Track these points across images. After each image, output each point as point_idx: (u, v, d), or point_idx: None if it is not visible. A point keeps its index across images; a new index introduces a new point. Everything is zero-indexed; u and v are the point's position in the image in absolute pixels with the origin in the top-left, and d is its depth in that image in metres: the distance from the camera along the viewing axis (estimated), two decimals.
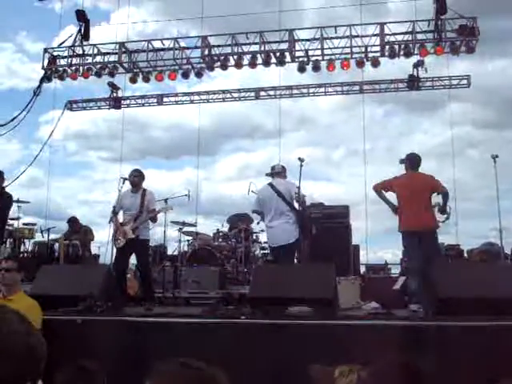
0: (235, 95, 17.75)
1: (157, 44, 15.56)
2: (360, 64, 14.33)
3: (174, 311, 7.64)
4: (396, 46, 14.04)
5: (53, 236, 12.50)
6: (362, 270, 13.15)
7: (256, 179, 10.88)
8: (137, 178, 9.03)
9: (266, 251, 12.47)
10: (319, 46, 14.56)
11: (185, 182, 25.54)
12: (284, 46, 14.74)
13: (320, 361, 5.36)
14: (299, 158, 8.72)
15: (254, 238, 11.99)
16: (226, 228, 12.29)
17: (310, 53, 14.75)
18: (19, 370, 1.24)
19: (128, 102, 18.14)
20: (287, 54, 14.70)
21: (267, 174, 9.46)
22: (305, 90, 17.26)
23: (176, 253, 12.00)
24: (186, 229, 11.90)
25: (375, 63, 14.27)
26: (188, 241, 12.04)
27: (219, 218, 20.99)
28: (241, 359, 5.70)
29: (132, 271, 10.15)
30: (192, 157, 19.97)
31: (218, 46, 15.30)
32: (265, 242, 12.36)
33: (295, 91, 17.26)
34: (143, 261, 8.93)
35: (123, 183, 9.10)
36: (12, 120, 15.05)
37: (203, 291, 10.00)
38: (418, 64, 14.80)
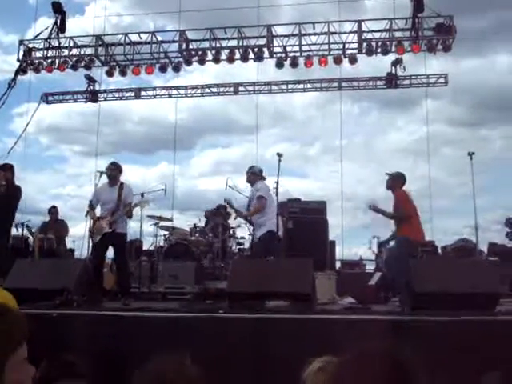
0: (214, 90, 17.70)
1: (134, 37, 15.45)
2: (338, 61, 14.40)
3: (151, 306, 7.62)
4: (373, 44, 14.14)
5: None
6: (338, 265, 13.25)
7: (233, 174, 10.89)
8: (114, 172, 8.95)
9: (243, 246, 12.49)
10: (297, 42, 14.60)
11: (160, 177, 25.47)
12: (262, 41, 14.75)
13: (297, 355, 5.40)
14: (278, 154, 8.77)
15: (231, 233, 11.99)
16: (202, 223, 12.26)
17: (288, 49, 14.79)
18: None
19: (105, 95, 17.98)
20: (265, 49, 14.71)
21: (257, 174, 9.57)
22: (283, 86, 17.28)
23: (152, 247, 11.94)
24: (162, 223, 11.84)
25: (353, 60, 14.35)
26: (164, 235, 11.99)
27: (195, 213, 20.97)
28: (219, 354, 5.70)
29: (108, 265, 10.07)
30: (168, 151, 19.92)
31: (196, 40, 15.25)
32: (241, 237, 12.40)
33: (274, 87, 17.27)
34: (120, 255, 8.86)
35: (100, 177, 9.04)
36: None
37: (180, 286, 9.98)
38: (397, 62, 14.92)
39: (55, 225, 12.30)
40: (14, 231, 12.75)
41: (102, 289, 8.81)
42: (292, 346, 5.50)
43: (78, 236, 12.27)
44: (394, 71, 15.64)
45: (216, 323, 6.27)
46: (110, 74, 15.64)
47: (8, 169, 9.46)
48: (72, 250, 12.65)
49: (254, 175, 9.61)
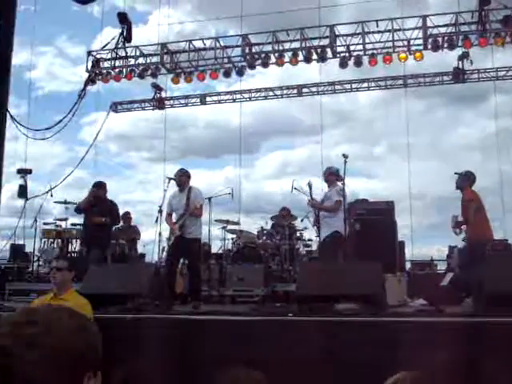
0: (277, 92, 17.76)
1: (197, 44, 15.66)
2: (402, 58, 14.15)
3: (220, 309, 7.69)
4: (439, 39, 13.80)
5: None
6: (408, 266, 13.01)
7: (298, 176, 10.87)
8: (182, 178, 9.15)
9: (310, 248, 12.45)
10: (360, 41, 14.44)
11: (226, 181, 25.65)
12: (325, 41, 14.66)
13: (368, 358, 5.33)
14: (343, 155, 8.71)
15: (298, 235, 11.96)
16: (269, 226, 12.29)
17: (352, 48, 14.63)
18: (77, 366, 1.27)
19: (171, 102, 18.33)
20: (328, 49, 14.62)
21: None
22: (347, 86, 17.15)
23: (221, 251, 12.06)
24: (229, 227, 11.95)
25: (418, 57, 14.07)
26: (232, 239, 12.10)
27: (261, 216, 21.05)
28: (288, 357, 5.70)
29: (178, 269, 10.23)
30: (233, 155, 20.05)
31: (259, 43, 15.31)
32: (309, 240, 12.36)
33: (338, 87, 17.16)
34: (191, 259, 9.00)
35: (168, 183, 9.22)
36: (57, 123, 15.34)
37: (249, 289, 10.02)
38: (464, 56, 14.52)
39: (128, 230, 12.59)
40: None
41: (173, 293, 8.96)
42: (363, 349, 5.44)
43: (148, 241, 12.56)
44: (460, 66, 15.23)
45: (285, 326, 6.27)
46: (175, 81, 15.91)
47: (100, 186, 10.11)
48: (143, 255, 12.93)
49: (332, 175, 9.61)
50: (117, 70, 15.85)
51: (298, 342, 5.93)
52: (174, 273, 9.01)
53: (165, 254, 9.11)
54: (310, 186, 9.76)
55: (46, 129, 14.84)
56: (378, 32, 14.30)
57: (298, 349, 5.83)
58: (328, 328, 6.04)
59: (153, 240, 9.92)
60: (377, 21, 14.29)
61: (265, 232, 12.09)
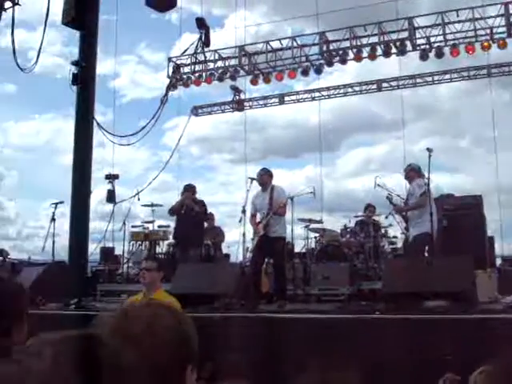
0: (356, 89, 17.58)
1: (275, 44, 15.73)
2: (486, 47, 13.67)
3: (306, 308, 7.69)
4: None
5: None
6: (498, 262, 12.54)
7: (380, 172, 10.70)
8: (264, 178, 9.20)
9: (395, 245, 12.23)
10: (441, 32, 14.06)
11: (307, 180, 25.59)
12: (404, 34, 14.37)
13: (459, 356, 5.17)
14: (427, 149, 8.51)
15: (383, 232, 11.78)
16: (352, 223, 12.16)
17: (432, 39, 14.28)
18: (176, 357, 1.31)
19: (250, 103, 18.50)
20: (408, 42, 14.33)
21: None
22: (428, 79, 16.74)
23: (304, 250, 12.04)
24: (312, 226, 11.91)
25: (502, 45, 13.54)
26: (315, 237, 12.05)
27: (344, 214, 20.88)
28: (375, 356, 5.62)
29: (263, 268, 10.30)
30: (313, 154, 19.98)
31: (336, 40, 15.19)
32: (393, 237, 12.14)
33: (418, 80, 16.79)
34: (276, 258, 9.03)
35: (251, 183, 9.30)
36: (141, 129, 15.78)
37: (334, 287, 9.95)
38: None
39: (212, 231, 12.78)
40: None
41: (259, 292, 9.02)
42: (453, 348, 5.29)
43: (231, 241, 12.71)
44: None
45: (372, 324, 6.19)
46: (254, 82, 16.06)
47: (191, 189, 10.54)
48: (227, 256, 13.10)
49: (414, 172, 9.42)
50: (196, 74, 16.18)
51: (385, 341, 5.84)
52: (259, 272, 9.07)
53: (249, 254, 9.20)
54: (389, 199, 9.70)
55: (131, 135, 15.28)
56: (459, 22, 13.89)
57: (386, 347, 5.74)
58: (416, 326, 5.92)
59: (237, 241, 10.06)
60: (457, 10, 13.89)
61: (348, 230, 11.98)
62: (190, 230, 10.26)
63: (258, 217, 9.16)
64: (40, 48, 12.71)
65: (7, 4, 13.98)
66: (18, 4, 14.12)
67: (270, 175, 9.29)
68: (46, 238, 10.11)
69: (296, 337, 6.23)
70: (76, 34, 11.99)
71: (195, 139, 26.77)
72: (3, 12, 14.04)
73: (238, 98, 18.11)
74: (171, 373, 1.28)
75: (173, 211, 10.64)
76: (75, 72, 10.93)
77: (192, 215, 10.18)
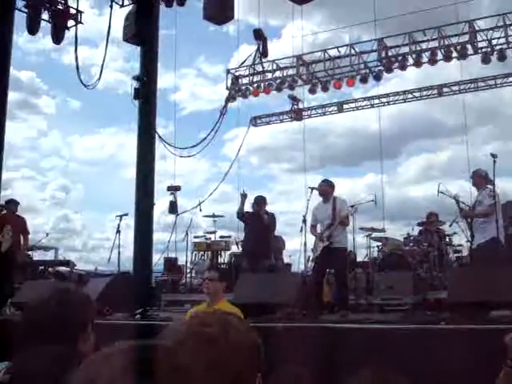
0: (416, 94, 17.31)
1: (332, 52, 15.70)
2: None
3: (369, 317, 7.59)
4: None
5: None
6: None
7: (443, 179, 10.49)
8: (325, 189, 9.16)
9: (461, 254, 11.94)
10: (503, 34, 13.71)
11: (368, 188, 25.33)
12: (464, 38, 14.09)
13: None
14: (492, 154, 8.28)
15: (447, 240, 11.51)
16: (416, 232, 11.94)
17: (494, 42, 13.94)
18: (251, 365, 1.32)
19: (309, 112, 18.48)
20: (469, 46, 14.03)
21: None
22: (491, 82, 16.32)
23: (366, 259, 11.90)
24: (374, 234, 11.77)
25: None
26: (378, 246, 11.91)
27: (406, 222, 20.53)
28: (440, 367, 5.50)
29: (325, 278, 10.24)
30: (373, 161, 19.77)
31: (395, 46, 15.04)
32: (458, 245, 11.85)
33: (481, 84, 16.39)
34: (338, 268, 8.96)
35: (311, 193, 9.28)
36: (202, 141, 16.00)
37: (397, 297, 9.78)
38: None
39: (273, 240, 12.78)
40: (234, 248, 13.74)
41: (321, 302, 8.97)
42: None
43: (292, 250, 12.69)
44: None
45: (438, 335, 6.06)
46: (312, 91, 16.06)
47: (262, 201, 10.55)
48: (289, 265, 13.08)
49: (481, 178, 9.18)
50: (255, 85, 16.32)
51: (452, 351, 5.70)
52: (322, 282, 9.02)
53: (310, 263, 9.16)
54: (456, 199, 9.42)
55: (192, 146, 15.54)
56: None
57: (452, 358, 5.60)
58: (483, 336, 5.75)
59: (297, 250, 10.03)
60: None
61: (411, 238, 11.78)
62: (258, 242, 10.34)
63: (319, 227, 9.12)
64: (102, 64, 13.11)
65: (70, 23, 14.52)
66: (80, 22, 14.63)
67: (332, 186, 9.23)
68: (111, 250, 10.35)
69: (359, 347, 6.15)
70: (137, 49, 12.31)
71: (254, 149, 26.97)
72: (66, 31, 14.58)
73: (296, 107, 18.14)
74: (245, 380, 1.30)
75: (241, 213, 10.70)
76: (137, 87, 11.19)
77: (261, 227, 10.25)
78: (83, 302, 2.17)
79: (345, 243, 9.07)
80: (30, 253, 14.39)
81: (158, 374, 1.21)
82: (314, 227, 9.16)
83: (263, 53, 16.11)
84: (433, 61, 14.35)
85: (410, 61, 14.67)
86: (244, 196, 10.50)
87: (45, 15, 14.31)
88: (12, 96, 17.86)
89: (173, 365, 1.20)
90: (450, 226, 10.73)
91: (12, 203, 11.37)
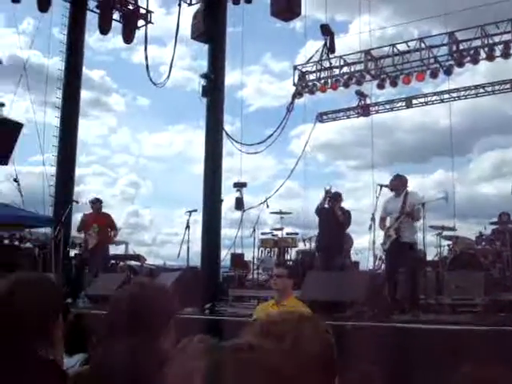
0: (488, 89, 16.80)
1: (401, 47, 15.42)
2: None
3: (440, 318, 7.44)
4: None
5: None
6: None
7: None
8: (395, 183, 9.01)
9: None
10: None
11: (437, 185, 24.77)
12: None
13: None
14: None
15: None
16: (488, 231, 11.59)
17: None
18: (326, 364, 1.31)
19: (376, 108, 18.24)
20: None
21: None
22: None
23: (436, 258, 11.64)
24: (445, 233, 11.51)
25: None
26: (448, 245, 11.64)
27: (478, 221, 19.97)
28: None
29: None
30: (443, 158, 19.32)
31: (467, 40, 14.63)
32: None
33: None
34: (408, 264, 8.77)
35: (380, 190, 9.16)
36: (268, 137, 16.04)
37: (468, 297, 9.53)
38: None
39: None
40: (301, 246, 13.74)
41: (394, 300, 8.77)
42: None
43: (360, 248, 12.55)
44: None
45: (510, 337, 5.88)
46: (380, 86, 15.85)
47: (338, 197, 10.44)
48: (357, 263, 12.95)
49: None
50: (322, 81, 16.23)
51: None
52: (393, 279, 8.85)
53: (378, 261, 9.05)
54: None
55: (258, 143, 15.59)
56: None
57: None
58: None
59: (365, 247, 9.92)
60: None
61: (483, 238, 11.45)
62: (332, 238, 10.26)
63: (388, 221, 8.98)
64: (171, 63, 13.38)
65: (140, 22, 14.86)
66: (150, 22, 14.95)
67: (402, 180, 9.06)
68: (180, 245, 10.53)
69: (430, 348, 6.05)
70: (204, 47, 12.47)
71: (320, 145, 26.82)
72: (136, 30, 14.93)
73: (363, 102, 17.93)
74: (323, 380, 1.29)
75: (318, 210, 10.64)
76: (204, 84, 11.33)
77: (335, 223, 10.17)
78: (166, 297, 2.21)
79: (413, 239, 8.86)
80: None
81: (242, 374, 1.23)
82: (383, 220, 9.02)
83: (330, 48, 16.02)
84: (506, 54, 13.89)
85: (482, 54, 14.25)
86: (328, 192, 10.39)
87: (115, 15, 14.72)
88: (84, 94, 18.44)
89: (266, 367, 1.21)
90: None
91: (96, 202, 11.86)
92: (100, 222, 11.53)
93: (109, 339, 2.03)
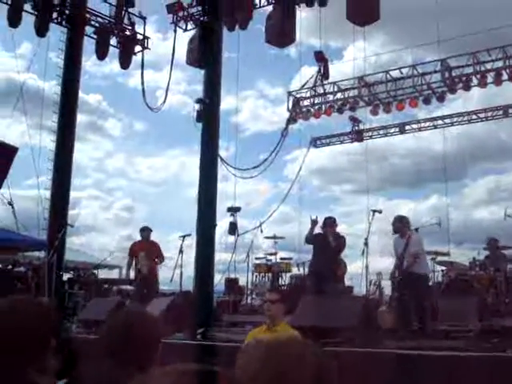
0: (481, 115, 16.95)
1: (394, 73, 15.60)
2: None
3: (432, 344, 7.41)
4: None
5: None
6: None
7: (510, 202, 10.22)
8: (397, 225, 9.32)
9: None
10: None
11: (432, 210, 24.85)
12: None
13: None
14: None
15: None
16: (481, 256, 11.62)
17: None
18: None
19: (370, 133, 18.37)
20: None
21: None
22: None
23: (430, 283, 11.64)
24: (439, 258, 11.53)
25: None
26: (442, 271, 11.65)
27: (472, 246, 19.98)
28: None
29: (387, 303, 10.10)
30: (437, 183, 19.41)
31: (459, 66, 14.82)
32: None
33: None
34: (415, 294, 9.03)
35: (373, 215, 9.23)
36: (263, 162, 16.10)
37: (461, 323, 9.53)
38: None
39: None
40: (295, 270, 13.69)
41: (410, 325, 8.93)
42: None
43: (353, 273, 12.54)
44: None
45: (502, 363, 5.87)
46: (374, 112, 15.99)
47: (332, 223, 10.38)
48: (351, 288, 12.92)
49: None
50: (316, 106, 16.37)
51: None
52: (406, 308, 9.04)
53: (372, 287, 9.11)
54: None
55: (253, 168, 15.64)
56: None
57: None
58: None
59: (359, 273, 9.92)
60: None
61: (477, 263, 11.47)
62: (324, 264, 10.23)
63: None
64: (167, 88, 13.45)
65: (137, 48, 14.98)
66: (147, 48, 15.08)
67: (403, 222, 9.33)
68: (174, 269, 10.52)
69: (421, 374, 6.03)
70: (199, 72, 12.56)
71: (315, 170, 26.92)
72: (133, 56, 15.05)
73: (356, 128, 18.06)
74: None
75: (309, 240, 10.64)
76: (199, 109, 11.39)
77: (328, 249, 10.16)
78: (154, 326, 2.23)
79: (421, 268, 9.20)
80: (95, 271, 14.79)
81: None
82: (398, 258, 9.34)
83: (324, 74, 16.15)
84: (498, 81, 14.06)
85: (475, 81, 14.43)
86: (314, 222, 10.37)
87: (113, 40, 14.84)
88: (80, 118, 18.50)
89: None
90: None
91: (145, 230, 11.91)
92: (148, 250, 11.57)
93: (94, 364, 2.04)
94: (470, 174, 32.02)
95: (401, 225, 9.31)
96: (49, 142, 13.98)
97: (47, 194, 13.59)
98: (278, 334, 5.42)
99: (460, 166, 26.77)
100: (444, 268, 11.64)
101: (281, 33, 11.89)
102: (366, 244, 9.07)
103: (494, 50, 14.21)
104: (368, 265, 9.11)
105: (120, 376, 1.88)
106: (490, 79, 14.25)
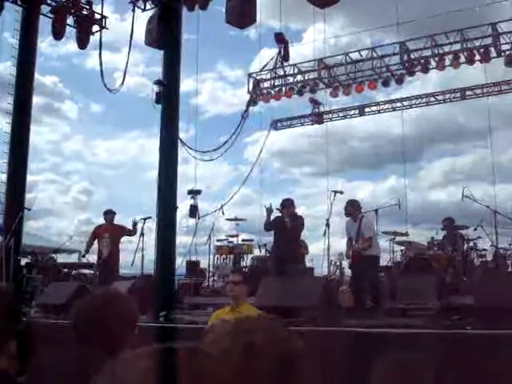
0: (439, 98, 17.20)
1: (354, 56, 15.66)
2: None
3: (391, 322, 7.53)
4: None
5: None
6: None
7: (467, 183, 10.46)
8: (349, 208, 9.67)
9: (485, 259, 11.81)
10: None
11: (390, 191, 25.19)
12: (488, 41, 13.99)
13: None
14: None
15: (472, 245, 11.40)
16: (440, 236, 11.83)
17: None
18: (289, 369, 1.31)
19: (330, 115, 18.45)
20: (492, 48, 13.91)
21: None
22: None
23: (389, 263, 11.82)
24: (397, 238, 11.70)
25: None
26: (401, 251, 11.83)
27: (429, 226, 20.34)
28: (464, 372, 5.44)
29: (347, 284, 10.22)
30: (396, 165, 19.67)
31: (417, 49, 14.96)
32: (483, 249, 11.73)
33: (504, 87, 16.22)
34: (367, 274, 9.44)
35: (334, 196, 9.32)
36: (223, 144, 16.03)
37: (421, 302, 9.70)
38: None
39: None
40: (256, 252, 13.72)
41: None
42: None
43: (314, 255, 12.64)
44: None
45: (463, 340, 5.99)
46: (334, 94, 16.03)
47: (289, 205, 10.30)
48: (311, 269, 13.03)
49: None
50: (276, 88, 16.35)
51: (478, 357, 5.63)
52: (359, 288, 9.34)
53: (333, 267, 9.26)
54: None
55: (213, 150, 15.57)
56: None
57: (479, 364, 5.54)
58: (509, 342, 5.67)
59: (319, 254, 10.01)
60: None
61: (436, 243, 11.68)
62: (284, 246, 10.30)
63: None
64: (125, 69, 13.23)
65: (95, 28, 14.66)
66: (105, 27, 14.77)
67: (354, 206, 9.65)
68: (135, 253, 10.44)
69: (380, 352, 6.11)
70: (158, 53, 12.36)
71: (276, 153, 26.95)
72: (91, 36, 14.73)
73: (317, 110, 18.12)
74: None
75: (267, 227, 10.61)
76: (158, 91, 11.23)
77: (286, 231, 10.20)
78: (129, 306, 2.19)
79: (374, 252, 9.66)
80: (54, 255, 14.55)
81: (182, 378, 1.21)
82: (349, 240, 9.80)
83: (284, 56, 16.11)
84: (456, 64, 14.25)
85: (433, 64, 14.59)
86: (269, 210, 10.34)
87: (69, 20, 14.48)
88: (36, 100, 18.06)
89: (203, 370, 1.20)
90: (475, 230, 10.65)
91: (109, 213, 12.02)
92: (112, 233, 11.60)
93: (61, 349, 2.00)
94: (428, 156, 32.57)
95: (352, 208, 9.63)
96: (4, 124, 13.65)
97: (3, 177, 13.28)
98: (243, 313, 5.43)
99: (418, 148, 27.18)
100: (403, 248, 11.82)
101: (241, 13, 11.77)
102: (327, 225, 9.14)
103: (452, 33, 14.39)
104: (330, 246, 9.21)
105: (89, 362, 1.84)
106: (447, 62, 14.41)
